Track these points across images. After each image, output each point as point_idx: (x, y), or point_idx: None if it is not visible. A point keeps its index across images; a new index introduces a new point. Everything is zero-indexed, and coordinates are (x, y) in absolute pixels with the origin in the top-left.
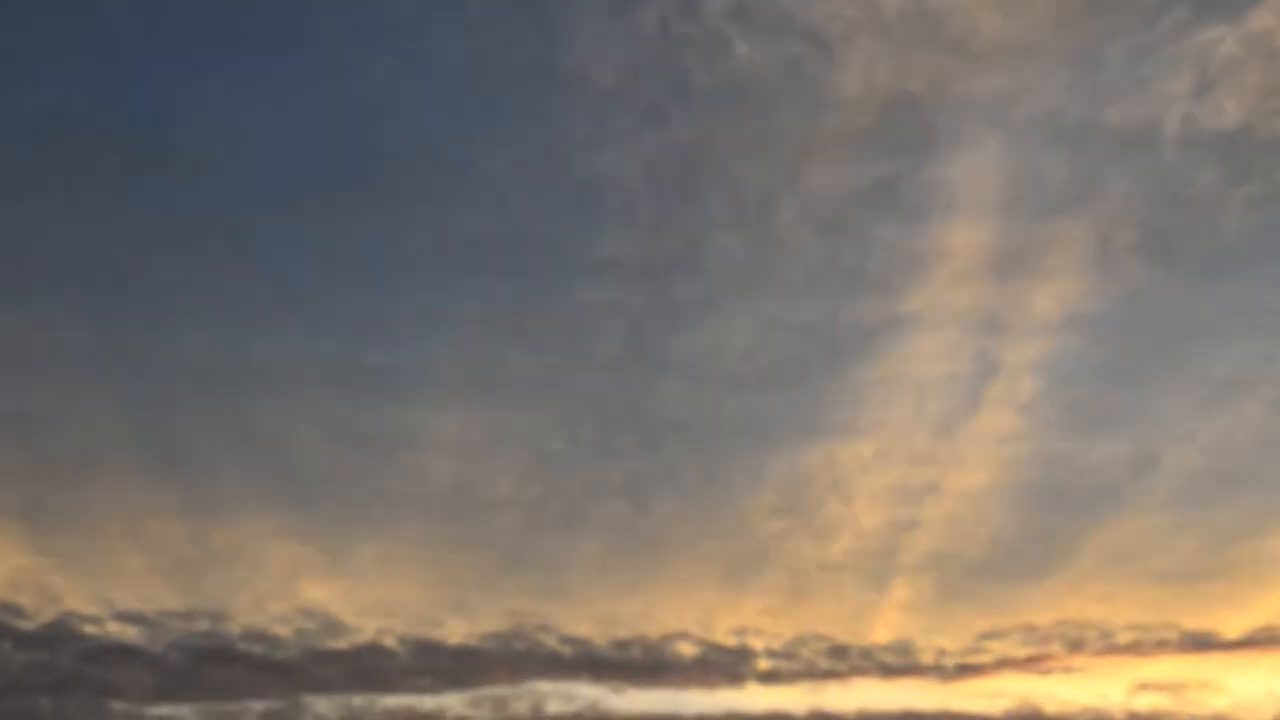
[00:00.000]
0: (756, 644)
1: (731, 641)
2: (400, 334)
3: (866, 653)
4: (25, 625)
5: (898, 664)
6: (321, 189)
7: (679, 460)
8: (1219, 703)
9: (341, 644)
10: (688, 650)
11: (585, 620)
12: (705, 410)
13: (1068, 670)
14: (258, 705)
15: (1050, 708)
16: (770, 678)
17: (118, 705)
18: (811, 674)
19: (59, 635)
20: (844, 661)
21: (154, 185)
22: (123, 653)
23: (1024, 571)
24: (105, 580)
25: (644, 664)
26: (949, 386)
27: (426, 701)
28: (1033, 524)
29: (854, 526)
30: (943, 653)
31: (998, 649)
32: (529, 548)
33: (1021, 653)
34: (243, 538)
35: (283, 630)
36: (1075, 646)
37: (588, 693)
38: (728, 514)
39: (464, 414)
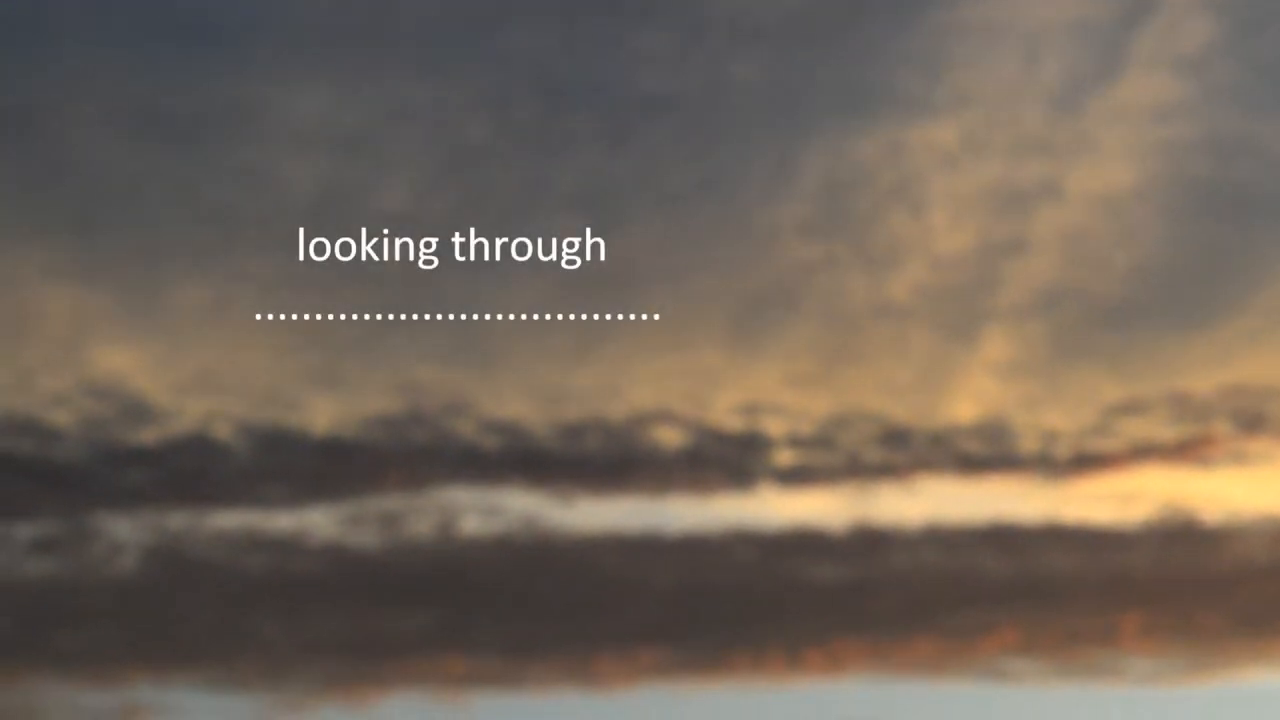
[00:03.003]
0: (774, 428)
1: (736, 425)
2: None
3: (939, 438)
4: None
5: (986, 454)
6: None
7: (661, 151)
8: None
9: (149, 436)
10: (670, 438)
11: (517, 396)
12: (702, 74)
13: (1239, 459)
14: (25, 529)
15: (1211, 514)
16: (794, 477)
17: None
18: (856, 471)
19: None
20: (905, 452)
21: None
22: None
23: (1179, 315)
24: None
25: (604, 460)
26: (1077, 34)
27: (280, 519)
28: (1196, 243)
29: (927, 250)
30: (1053, 437)
31: (1135, 430)
32: (432, 288)
33: (1171, 435)
34: None
35: (60, 417)
36: (1251, 425)
37: (520, 503)
38: (734, 232)
39: (334, 85)
